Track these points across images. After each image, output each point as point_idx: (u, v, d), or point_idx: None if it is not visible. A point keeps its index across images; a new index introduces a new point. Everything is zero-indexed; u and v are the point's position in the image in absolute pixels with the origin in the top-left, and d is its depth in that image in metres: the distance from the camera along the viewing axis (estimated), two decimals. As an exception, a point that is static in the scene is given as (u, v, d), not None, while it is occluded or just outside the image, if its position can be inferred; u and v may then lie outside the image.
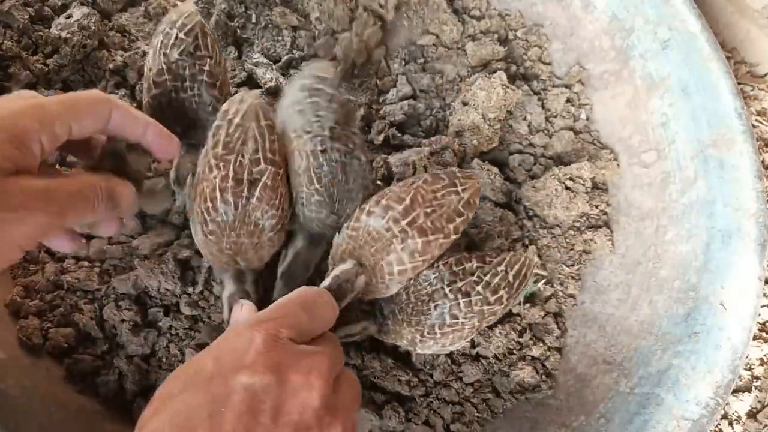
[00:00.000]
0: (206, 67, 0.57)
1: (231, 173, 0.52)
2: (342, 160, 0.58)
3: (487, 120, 0.74)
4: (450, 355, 0.68)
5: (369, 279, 0.56)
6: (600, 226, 0.74)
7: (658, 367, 0.63)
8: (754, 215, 0.62)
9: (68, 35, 0.71)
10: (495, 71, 0.77)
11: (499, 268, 0.58)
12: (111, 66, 0.73)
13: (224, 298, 0.58)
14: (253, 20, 0.81)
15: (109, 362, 0.63)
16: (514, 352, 0.69)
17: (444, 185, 0.57)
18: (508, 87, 0.74)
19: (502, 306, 0.58)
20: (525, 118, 0.80)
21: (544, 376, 0.68)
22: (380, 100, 0.80)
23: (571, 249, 0.74)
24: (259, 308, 0.49)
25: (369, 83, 0.81)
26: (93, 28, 0.72)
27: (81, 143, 0.50)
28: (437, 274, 0.57)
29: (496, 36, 0.82)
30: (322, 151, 0.58)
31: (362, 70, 0.81)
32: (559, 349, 0.70)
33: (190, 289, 0.66)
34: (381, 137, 0.76)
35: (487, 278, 0.57)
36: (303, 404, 0.38)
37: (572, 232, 0.74)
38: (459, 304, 0.56)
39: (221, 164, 0.52)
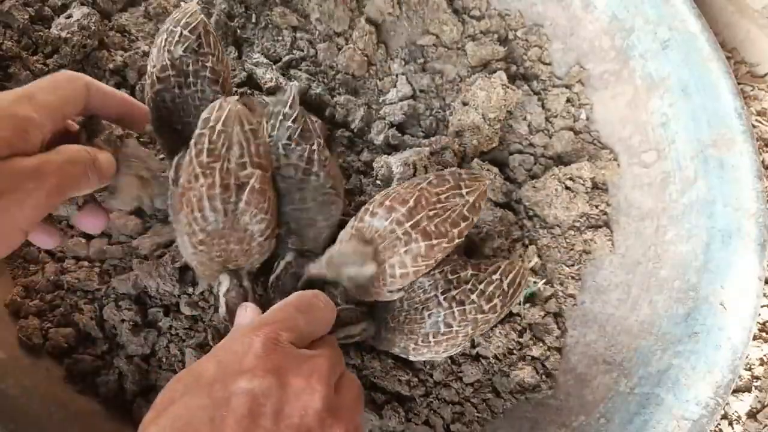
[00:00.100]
0: (209, 64, 0.58)
1: (218, 180, 0.51)
2: (298, 177, 0.58)
3: (487, 120, 0.74)
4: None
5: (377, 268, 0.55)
6: (600, 226, 0.74)
7: (658, 367, 0.63)
8: (754, 215, 0.62)
9: (68, 35, 0.71)
10: (495, 71, 0.77)
11: (494, 277, 0.58)
12: (111, 66, 0.73)
13: (220, 295, 0.57)
14: (253, 20, 0.81)
15: (109, 362, 0.63)
16: (514, 352, 0.69)
17: (449, 187, 0.56)
18: (508, 87, 0.74)
19: (496, 314, 0.58)
20: (525, 118, 0.80)
21: (544, 376, 0.68)
22: (380, 100, 0.80)
23: (571, 249, 0.74)
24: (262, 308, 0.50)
25: (369, 83, 0.81)
26: (93, 28, 0.72)
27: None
28: (432, 281, 0.57)
29: (496, 36, 0.82)
30: (276, 168, 0.58)
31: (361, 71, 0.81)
32: (559, 349, 0.70)
33: (190, 289, 0.66)
34: (381, 137, 0.76)
35: (481, 287, 0.57)
36: (304, 407, 0.38)
37: (572, 232, 0.74)
38: (453, 312, 0.56)
39: (207, 172, 0.51)
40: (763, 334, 0.79)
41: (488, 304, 0.57)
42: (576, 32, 0.80)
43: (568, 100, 0.80)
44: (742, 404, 0.75)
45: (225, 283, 0.57)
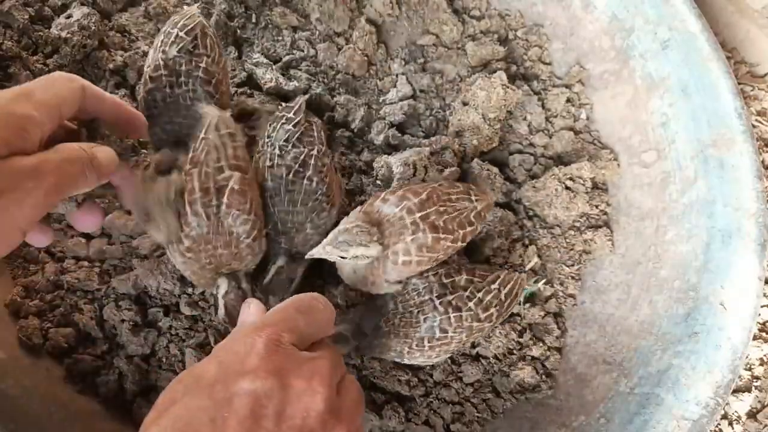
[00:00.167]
0: (202, 64, 0.58)
1: (197, 184, 0.52)
2: (288, 178, 0.59)
3: (487, 120, 0.74)
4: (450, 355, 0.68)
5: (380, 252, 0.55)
6: (600, 226, 0.74)
7: (658, 367, 0.63)
8: (754, 215, 0.62)
9: (68, 35, 0.71)
10: (495, 71, 0.77)
11: (493, 286, 0.58)
12: (111, 66, 0.73)
13: (219, 297, 0.57)
14: (253, 20, 0.81)
15: (109, 362, 0.63)
16: (514, 352, 0.69)
17: (460, 191, 0.59)
18: (508, 87, 0.74)
19: (491, 324, 0.59)
20: (525, 118, 0.80)
21: (544, 376, 0.68)
22: (380, 100, 0.80)
23: (571, 249, 0.74)
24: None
25: (369, 83, 0.81)
26: (93, 28, 0.72)
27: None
28: (426, 284, 0.57)
29: (496, 36, 0.82)
30: (269, 167, 0.59)
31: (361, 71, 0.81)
32: (559, 349, 0.70)
33: (190, 290, 0.66)
34: (381, 137, 0.76)
35: (479, 295, 0.57)
36: (306, 409, 0.38)
37: (572, 232, 0.74)
38: (450, 318, 0.56)
39: (187, 179, 0.53)
40: (763, 334, 0.79)
41: (485, 313, 0.57)
42: (576, 32, 0.80)
43: (568, 100, 0.80)
44: (742, 404, 0.75)
45: (223, 285, 0.57)
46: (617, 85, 0.77)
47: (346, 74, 0.79)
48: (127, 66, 0.74)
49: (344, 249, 0.53)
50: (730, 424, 0.74)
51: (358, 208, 0.58)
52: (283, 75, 0.77)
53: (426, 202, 0.55)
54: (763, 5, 0.89)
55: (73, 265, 0.66)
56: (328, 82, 0.79)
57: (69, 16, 0.73)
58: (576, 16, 0.80)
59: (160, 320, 0.65)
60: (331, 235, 0.54)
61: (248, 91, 0.76)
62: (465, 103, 0.76)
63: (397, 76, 0.81)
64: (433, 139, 0.75)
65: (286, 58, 0.79)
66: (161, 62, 0.57)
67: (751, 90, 0.94)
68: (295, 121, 0.61)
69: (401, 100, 0.79)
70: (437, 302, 0.56)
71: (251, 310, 0.49)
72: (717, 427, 0.74)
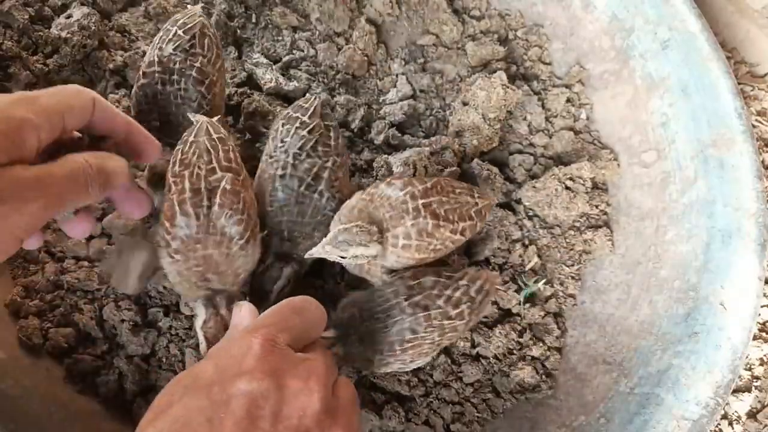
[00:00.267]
0: (197, 64, 0.58)
1: (187, 185, 0.51)
2: (300, 191, 0.57)
3: (487, 120, 0.74)
4: (450, 355, 0.68)
5: (381, 244, 0.54)
6: (600, 226, 0.74)
7: (658, 367, 0.63)
8: (754, 215, 0.62)
9: (68, 35, 0.71)
10: (495, 71, 0.77)
11: (461, 283, 0.57)
12: (111, 66, 0.73)
13: (197, 328, 0.55)
14: (253, 20, 0.81)
15: (109, 362, 0.63)
16: (514, 352, 0.69)
17: (463, 188, 0.59)
18: (508, 87, 0.74)
19: (464, 321, 0.57)
20: (525, 118, 0.80)
21: (544, 376, 0.68)
22: (380, 100, 0.80)
23: (571, 249, 0.74)
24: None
25: (369, 83, 0.81)
26: (93, 28, 0.72)
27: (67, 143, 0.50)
28: (392, 289, 0.56)
29: (496, 36, 0.82)
30: (281, 176, 0.58)
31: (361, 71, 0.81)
32: (559, 349, 0.70)
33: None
34: (381, 137, 0.76)
35: (448, 292, 0.56)
36: (303, 408, 0.38)
37: (572, 232, 0.74)
38: (418, 318, 0.54)
39: (177, 180, 0.52)
40: (763, 334, 0.79)
41: (455, 310, 0.56)
42: (576, 32, 0.80)
43: (568, 100, 0.80)
44: (742, 404, 0.75)
45: (201, 314, 0.54)
46: (617, 85, 0.77)
47: (346, 74, 0.79)
48: (127, 66, 0.74)
49: (344, 249, 0.53)
50: (730, 424, 0.74)
51: (359, 192, 0.58)
52: (283, 75, 0.77)
53: (430, 190, 0.56)
54: (763, 5, 0.89)
55: (73, 265, 0.66)
56: (328, 82, 0.79)
57: (69, 16, 0.73)
58: (576, 16, 0.80)
59: (160, 320, 0.65)
60: (330, 235, 0.53)
61: (248, 91, 0.76)
62: (465, 103, 0.76)
63: (397, 76, 0.81)
64: (433, 139, 0.75)
65: (286, 58, 0.79)
66: (156, 59, 0.57)
67: (751, 90, 0.94)
68: (311, 126, 0.59)
69: (401, 100, 0.79)
70: (405, 304, 0.55)
71: (243, 312, 0.49)
72: (717, 427, 0.74)
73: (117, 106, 0.62)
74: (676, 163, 0.70)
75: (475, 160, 0.75)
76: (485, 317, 0.70)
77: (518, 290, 0.71)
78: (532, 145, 0.79)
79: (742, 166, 0.64)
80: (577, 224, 0.74)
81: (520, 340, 0.69)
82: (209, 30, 0.61)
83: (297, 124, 0.59)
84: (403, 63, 0.82)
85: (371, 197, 0.56)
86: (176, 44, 0.58)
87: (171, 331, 0.65)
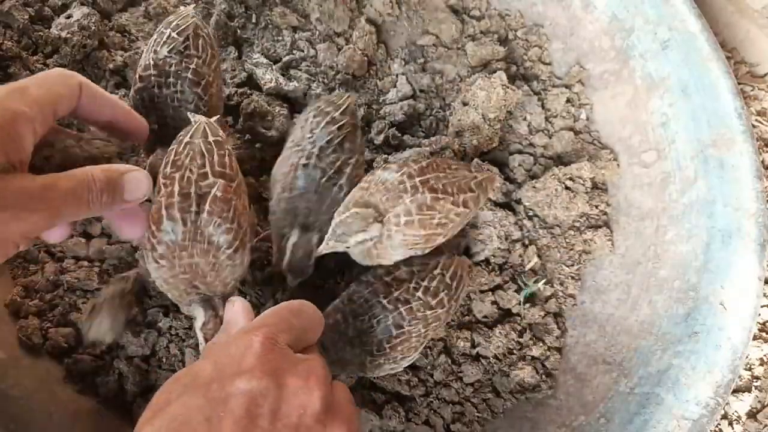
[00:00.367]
0: (192, 65, 0.58)
1: (176, 189, 0.49)
2: (321, 182, 0.58)
3: (487, 120, 0.74)
4: (450, 354, 0.68)
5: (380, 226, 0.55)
6: (600, 226, 0.74)
7: (658, 367, 0.63)
8: (754, 215, 0.62)
9: (68, 35, 0.71)
10: (495, 71, 0.77)
11: (435, 272, 0.58)
12: (111, 66, 0.73)
13: (197, 330, 0.53)
14: (253, 20, 0.81)
15: (108, 363, 0.63)
16: (514, 352, 0.69)
17: (460, 164, 0.60)
18: (508, 87, 0.74)
19: (444, 309, 0.58)
20: (525, 118, 0.80)
21: (544, 376, 0.68)
22: (380, 100, 0.80)
23: (571, 249, 0.74)
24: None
25: (369, 83, 0.81)
26: (93, 28, 0.72)
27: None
28: (370, 289, 0.57)
29: (496, 36, 0.82)
30: (304, 165, 0.58)
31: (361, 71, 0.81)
32: (559, 349, 0.70)
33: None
34: (381, 137, 0.76)
35: (425, 283, 0.57)
36: (302, 407, 0.38)
37: (572, 232, 0.74)
38: (401, 312, 0.55)
39: (167, 182, 0.50)
40: (763, 334, 0.79)
41: (434, 299, 0.57)
42: (576, 32, 0.80)
43: (568, 100, 0.80)
44: (742, 404, 0.75)
45: (200, 317, 0.53)
46: (617, 85, 0.77)
47: (346, 74, 0.79)
48: (127, 66, 0.74)
49: (344, 240, 0.53)
50: (730, 424, 0.74)
51: (363, 179, 0.58)
52: (283, 75, 0.77)
53: (426, 168, 0.56)
54: (763, 5, 0.89)
55: (72, 265, 0.66)
56: (328, 82, 0.79)
57: (69, 16, 0.73)
58: (576, 16, 0.80)
59: (160, 320, 0.65)
60: (330, 230, 0.54)
61: (248, 91, 0.76)
62: (465, 103, 0.76)
63: (397, 76, 0.81)
64: (433, 139, 0.75)
65: (286, 59, 0.79)
66: (151, 62, 0.57)
67: (751, 90, 0.94)
68: (341, 123, 0.60)
69: (401, 100, 0.79)
70: (385, 301, 0.56)
71: (236, 308, 0.49)
72: (717, 427, 0.74)
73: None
74: (676, 163, 0.70)
75: (475, 160, 0.75)
76: (485, 317, 0.70)
77: (518, 290, 0.71)
78: (532, 145, 0.79)
79: (742, 166, 0.64)
80: (577, 224, 0.74)
81: (520, 340, 0.69)
82: (203, 30, 0.60)
83: (327, 119, 0.60)
84: (403, 63, 0.82)
85: (368, 184, 0.56)
86: (170, 47, 0.57)
87: (171, 331, 0.65)
